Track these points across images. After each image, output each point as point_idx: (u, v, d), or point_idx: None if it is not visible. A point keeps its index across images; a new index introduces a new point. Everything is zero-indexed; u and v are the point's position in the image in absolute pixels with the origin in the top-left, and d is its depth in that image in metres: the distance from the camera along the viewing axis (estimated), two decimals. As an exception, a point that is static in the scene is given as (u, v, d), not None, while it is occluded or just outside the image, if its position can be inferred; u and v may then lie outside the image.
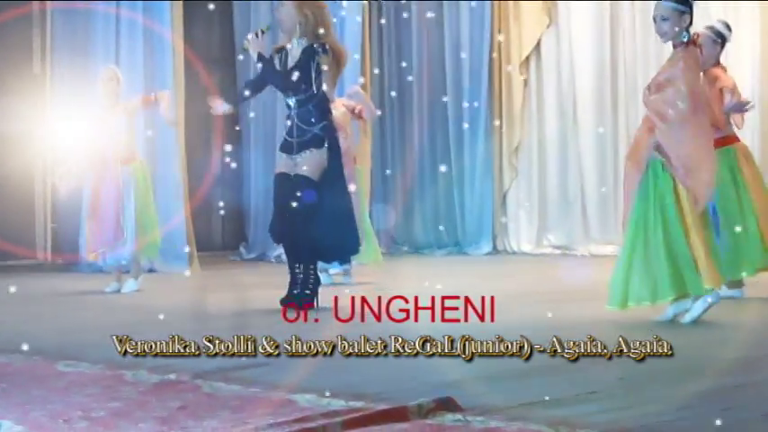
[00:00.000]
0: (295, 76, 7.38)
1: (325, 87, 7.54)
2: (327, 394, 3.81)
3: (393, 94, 15.33)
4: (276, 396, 3.91)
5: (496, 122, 14.35)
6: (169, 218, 11.73)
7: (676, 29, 6.27)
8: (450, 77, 14.73)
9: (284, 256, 8.34)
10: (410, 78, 15.07)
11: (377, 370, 4.16)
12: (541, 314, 6.44)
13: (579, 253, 13.43)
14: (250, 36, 7.62)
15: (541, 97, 14.25)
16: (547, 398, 3.74)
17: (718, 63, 7.72)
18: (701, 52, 6.54)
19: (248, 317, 7.17)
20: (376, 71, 14.89)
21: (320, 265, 8.08)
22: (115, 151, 9.35)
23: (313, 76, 7.45)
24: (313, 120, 7.43)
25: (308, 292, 7.44)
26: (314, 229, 7.37)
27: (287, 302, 7.36)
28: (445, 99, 14.75)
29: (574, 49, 13.76)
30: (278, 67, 7.55)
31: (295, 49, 7.52)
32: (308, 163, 7.42)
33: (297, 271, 7.49)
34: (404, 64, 14.98)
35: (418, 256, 14.41)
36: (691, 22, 6.35)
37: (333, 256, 7.93)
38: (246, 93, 7.82)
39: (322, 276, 8.46)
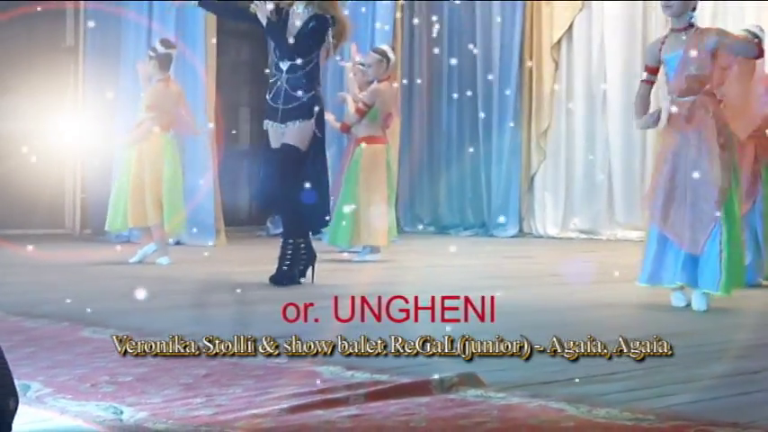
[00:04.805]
0: (304, 45, 7.34)
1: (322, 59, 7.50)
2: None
3: (422, 72, 15.36)
4: (300, 367, 3.94)
5: (526, 105, 14.35)
6: (197, 192, 11.82)
7: (683, 7, 6.25)
8: (480, 59, 14.74)
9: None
10: (440, 60, 15.08)
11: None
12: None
13: (604, 237, 13.44)
14: (257, 1, 7.53)
15: (572, 81, 14.24)
16: (577, 380, 3.76)
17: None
18: None
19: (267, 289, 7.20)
20: (406, 51, 14.93)
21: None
22: (157, 122, 9.43)
23: (318, 45, 7.42)
24: (303, 87, 7.34)
25: (284, 268, 7.39)
26: (296, 201, 7.31)
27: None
28: (475, 81, 14.76)
29: (605, 32, 13.73)
30: (280, 29, 7.45)
31: (300, 14, 7.42)
32: (297, 133, 7.34)
33: (301, 246, 7.47)
34: (436, 50, 14.97)
35: (444, 236, 14.45)
36: (695, 7, 6.33)
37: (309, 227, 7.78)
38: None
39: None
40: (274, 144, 7.45)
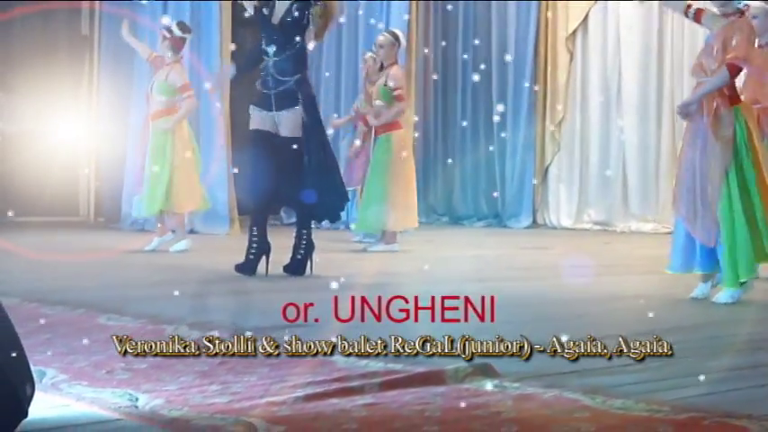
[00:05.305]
0: (289, 29, 7.32)
1: (311, 42, 7.44)
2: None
3: (437, 64, 15.34)
4: (315, 356, 3.93)
5: (540, 96, 14.33)
6: (211, 179, 11.82)
7: None
8: (495, 50, 14.72)
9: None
10: (456, 49, 15.05)
11: (415, 333, 4.18)
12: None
13: (618, 229, 13.42)
14: None
15: (586, 72, 14.21)
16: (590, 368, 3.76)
17: None
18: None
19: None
20: (421, 43, 14.90)
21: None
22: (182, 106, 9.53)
23: (303, 27, 7.37)
24: (289, 70, 7.32)
25: (299, 257, 7.38)
26: (302, 190, 7.24)
27: (241, 269, 7.27)
28: (490, 72, 14.74)
29: (621, 24, 13.70)
30: (265, 14, 7.43)
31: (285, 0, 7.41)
32: (290, 123, 7.30)
33: (254, 235, 7.34)
34: (450, 41, 14.94)
35: (457, 227, 14.44)
36: None
37: (322, 215, 7.75)
38: (238, 71, 7.78)
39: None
40: (259, 126, 7.40)
